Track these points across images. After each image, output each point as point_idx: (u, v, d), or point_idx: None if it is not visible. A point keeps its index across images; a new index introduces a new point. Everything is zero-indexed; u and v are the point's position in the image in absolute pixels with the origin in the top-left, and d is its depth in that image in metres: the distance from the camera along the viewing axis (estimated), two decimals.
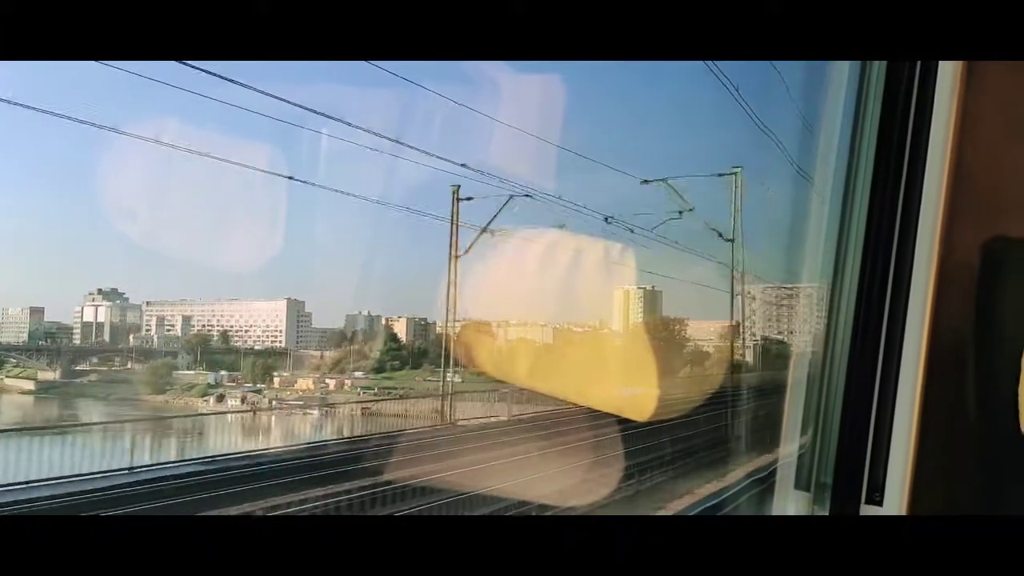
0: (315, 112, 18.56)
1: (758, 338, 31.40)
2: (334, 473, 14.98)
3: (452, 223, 25.78)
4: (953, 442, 2.88)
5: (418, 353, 32.63)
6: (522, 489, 14.05)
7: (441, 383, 27.05)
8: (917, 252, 2.74)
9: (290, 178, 19.64)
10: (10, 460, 14.46)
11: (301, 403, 29.58)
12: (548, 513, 12.91)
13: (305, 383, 31.47)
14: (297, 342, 33.30)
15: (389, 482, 14.44)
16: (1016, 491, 2.80)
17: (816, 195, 3.33)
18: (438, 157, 21.22)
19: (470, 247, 25.44)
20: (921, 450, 2.73)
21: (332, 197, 27.39)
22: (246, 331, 33.57)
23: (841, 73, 3.03)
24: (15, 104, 15.23)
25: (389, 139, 19.80)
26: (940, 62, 2.73)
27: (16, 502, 12.08)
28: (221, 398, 30.09)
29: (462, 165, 21.98)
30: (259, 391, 30.86)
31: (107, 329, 32.38)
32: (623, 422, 15.33)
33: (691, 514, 12.93)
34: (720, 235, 27.11)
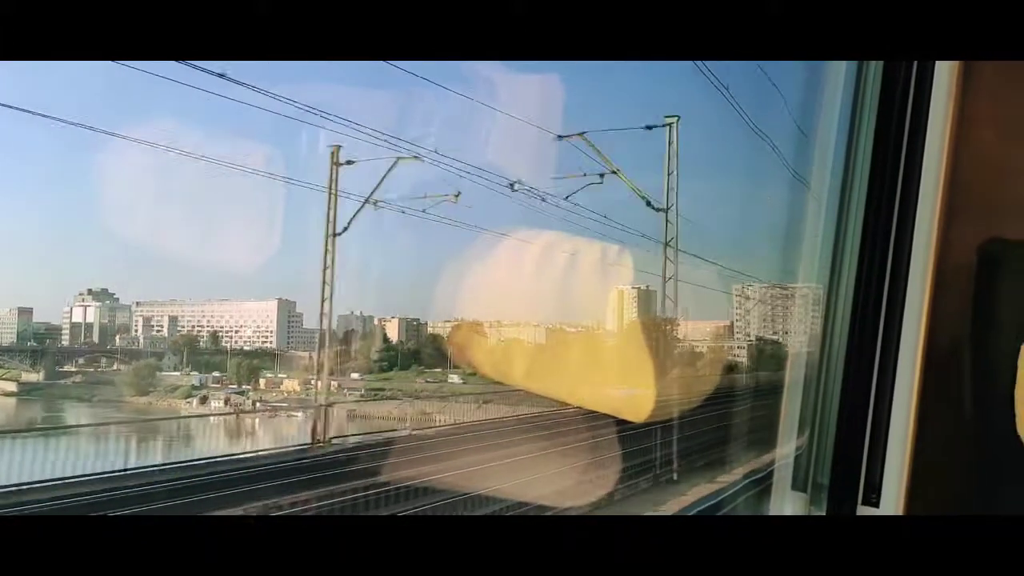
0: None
1: (689, 335, 26.73)
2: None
3: (330, 192, 21.96)
4: (950, 443, 2.90)
5: (407, 354, 32.54)
6: None
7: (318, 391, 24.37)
8: (914, 252, 2.76)
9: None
10: None
11: (285, 405, 29.42)
12: (547, 513, 12.84)
13: (291, 384, 31.32)
14: (288, 343, 33.22)
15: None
16: (1012, 491, 2.83)
17: (812, 195, 3.35)
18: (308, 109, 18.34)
19: (350, 223, 21.92)
20: (917, 451, 2.75)
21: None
22: (237, 332, 33.49)
23: (837, 73, 3.06)
24: (2, 105, 15.12)
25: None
26: (936, 62, 2.75)
27: None
28: (204, 400, 29.92)
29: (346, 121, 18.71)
30: (242, 393, 30.70)
31: (96, 330, 32.27)
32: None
33: (689, 514, 12.92)
34: (649, 203, 22.16)
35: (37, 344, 31.59)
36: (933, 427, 2.77)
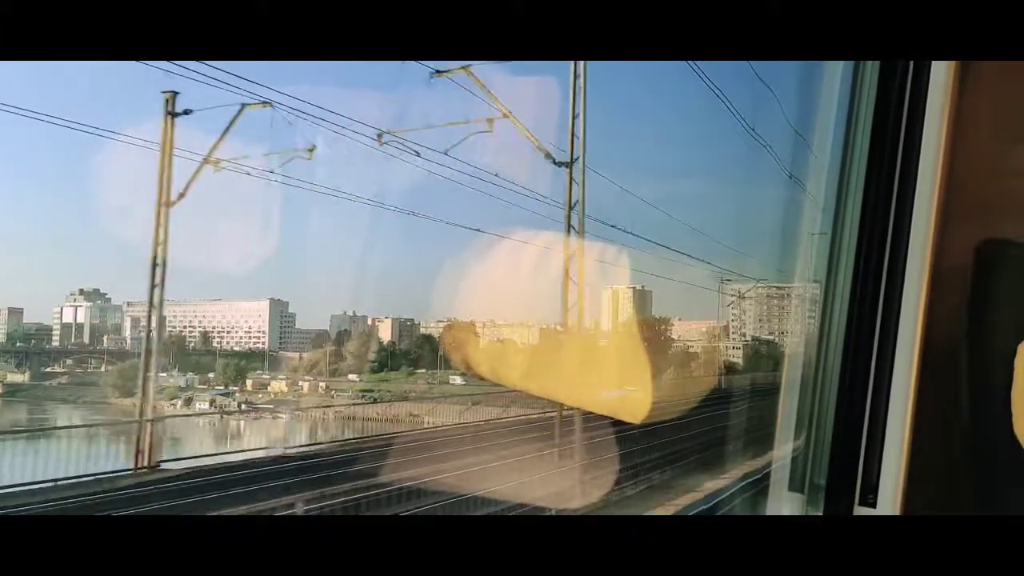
0: None
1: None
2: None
3: (163, 151, 17.80)
4: (947, 443, 2.92)
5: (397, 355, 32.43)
6: None
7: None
8: (910, 252, 2.77)
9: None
10: None
11: (271, 406, 29.31)
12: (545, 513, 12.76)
13: (278, 385, 31.24)
14: (280, 343, 33.19)
15: None
16: (1009, 492, 2.85)
17: (808, 195, 3.37)
18: None
19: (187, 188, 18.39)
20: (914, 451, 2.76)
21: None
22: (229, 332, 33.46)
23: (833, 73, 3.08)
24: None
25: None
26: (933, 62, 2.78)
27: None
28: (189, 401, 29.78)
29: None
30: (228, 394, 30.59)
31: (87, 330, 32.22)
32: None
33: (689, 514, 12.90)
34: (551, 158, 18.22)
35: (24, 345, 31.51)
36: (930, 427, 2.79)
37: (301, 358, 32.85)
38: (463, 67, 16.72)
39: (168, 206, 17.10)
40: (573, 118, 17.43)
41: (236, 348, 32.80)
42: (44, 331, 32.27)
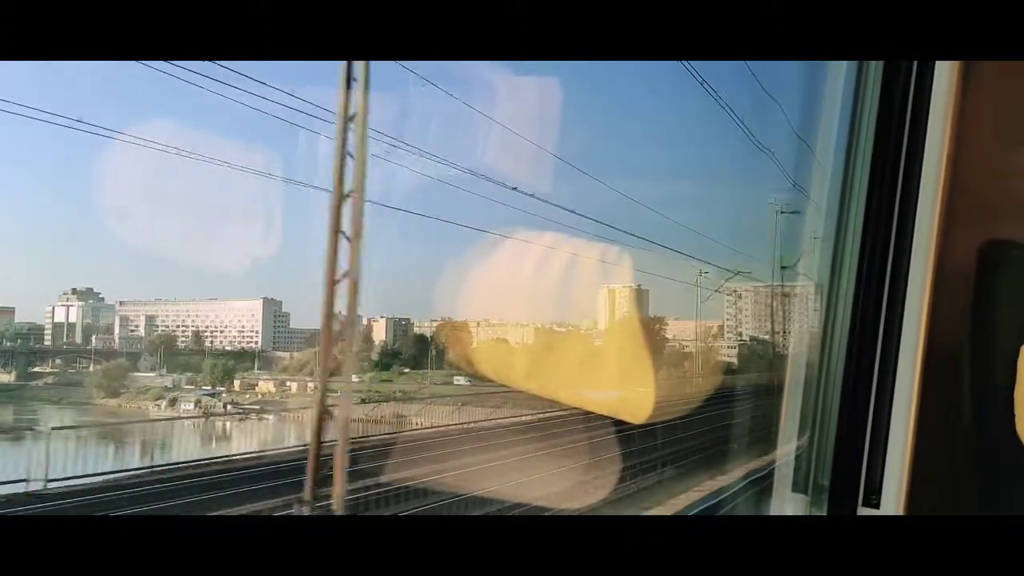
0: None
1: None
2: None
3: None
4: (950, 444, 2.95)
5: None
6: None
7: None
8: (914, 253, 2.79)
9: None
10: None
11: (257, 407, 29.10)
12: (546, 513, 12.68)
13: (266, 386, 31.06)
14: (274, 344, 33.14)
15: None
16: (1013, 492, 2.88)
17: (812, 196, 3.40)
18: None
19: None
20: (918, 452, 2.78)
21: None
22: (221, 332, 33.41)
23: (837, 73, 3.10)
24: None
25: None
26: (937, 62, 2.80)
27: None
28: (174, 402, 29.56)
29: None
30: (214, 395, 30.38)
31: (79, 330, 32.17)
32: None
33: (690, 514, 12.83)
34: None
35: (12, 344, 31.46)
36: (933, 428, 2.81)
37: (292, 358, 32.76)
38: None
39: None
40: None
41: (228, 348, 32.72)
42: (36, 331, 32.21)
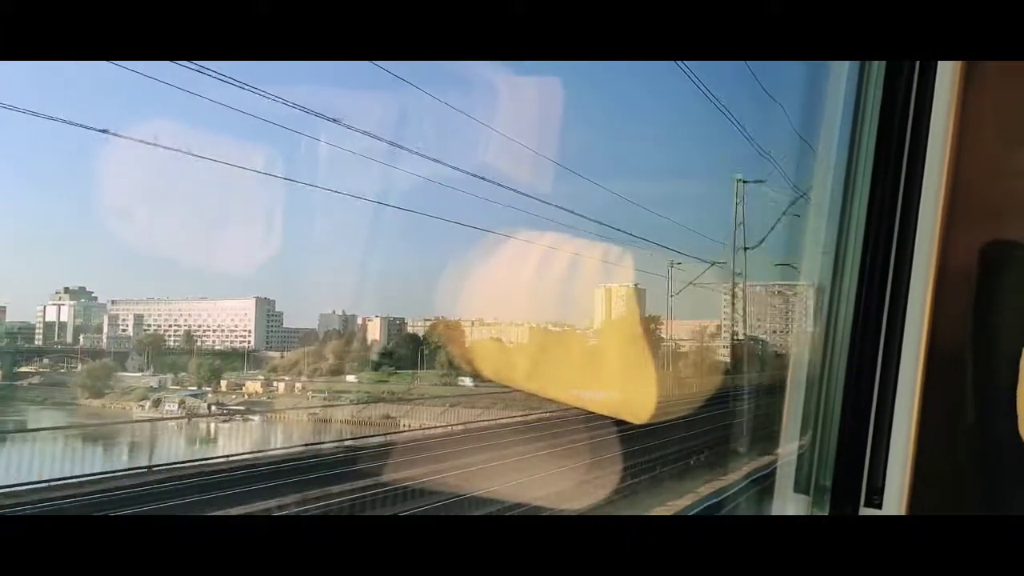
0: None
1: None
2: None
3: None
4: (952, 444, 2.97)
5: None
6: None
7: None
8: (916, 253, 2.81)
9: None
10: None
11: (242, 408, 28.89)
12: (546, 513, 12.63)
13: (254, 386, 30.86)
14: (267, 343, 33.08)
15: None
16: (1015, 492, 2.90)
17: (814, 196, 3.41)
18: None
19: None
20: (920, 453, 2.80)
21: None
22: (214, 331, 33.34)
23: (839, 73, 3.12)
24: None
25: None
26: (939, 62, 2.82)
27: None
28: (158, 403, 29.33)
29: None
30: (199, 395, 30.16)
31: (70, 329, 32.10)
32: None
33: (690, 514, 12.80)
34: None
35: (7, 344, 31.40)
36: (936, 429, 2.83)
37: (283, 357, 32.67)
38: None
39: None
40: None
41: (220, 347, 32.61)
42: (27, 330, 32.15)
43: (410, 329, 32.95)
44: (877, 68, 2.93)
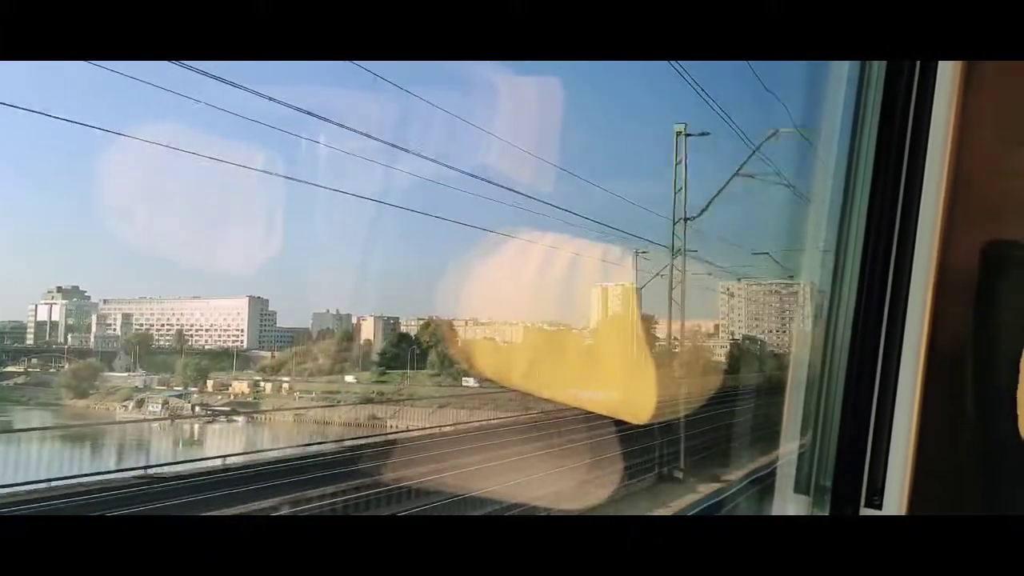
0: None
1: None
2: None
3: None
4: (953, 445, 2.98)
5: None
6: None
7: None
8: (916, 254, 2.83)
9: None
10: None
11: (227, 409, 28.68)
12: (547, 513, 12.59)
13: (240, 387, 30.69)
14: (260, 343, 33.04)
15: None
16: (1015, 493, 2.92)
17: (815, 196, 3.43)
18: None
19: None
20: (920, 453, 2.82)
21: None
22: (207, 331, 33.30)
23: (840, 73, 3.14)
24: None
25: None
26: (940, 62, 2.84)
27: None
28: (141, 404, 29.10)
29: None
30: (183, 396, 29.94)
31: (61, 328, 32.04)
32: None
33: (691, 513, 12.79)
34: None
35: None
36: (936, 429, 2.84)
37: (273, 357, 32.60)
38: None
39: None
40: None
41: (211, 347, 32.51)
42: (18, 329, 32.07)
43: (403, 329, 32.97)
44: (877, 68, 2.95)
